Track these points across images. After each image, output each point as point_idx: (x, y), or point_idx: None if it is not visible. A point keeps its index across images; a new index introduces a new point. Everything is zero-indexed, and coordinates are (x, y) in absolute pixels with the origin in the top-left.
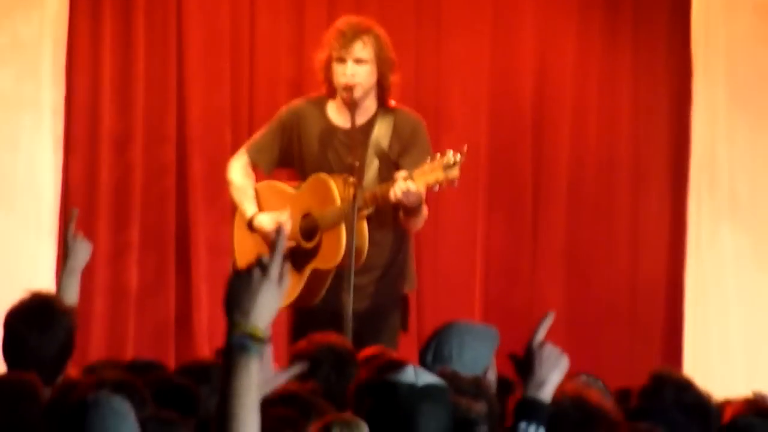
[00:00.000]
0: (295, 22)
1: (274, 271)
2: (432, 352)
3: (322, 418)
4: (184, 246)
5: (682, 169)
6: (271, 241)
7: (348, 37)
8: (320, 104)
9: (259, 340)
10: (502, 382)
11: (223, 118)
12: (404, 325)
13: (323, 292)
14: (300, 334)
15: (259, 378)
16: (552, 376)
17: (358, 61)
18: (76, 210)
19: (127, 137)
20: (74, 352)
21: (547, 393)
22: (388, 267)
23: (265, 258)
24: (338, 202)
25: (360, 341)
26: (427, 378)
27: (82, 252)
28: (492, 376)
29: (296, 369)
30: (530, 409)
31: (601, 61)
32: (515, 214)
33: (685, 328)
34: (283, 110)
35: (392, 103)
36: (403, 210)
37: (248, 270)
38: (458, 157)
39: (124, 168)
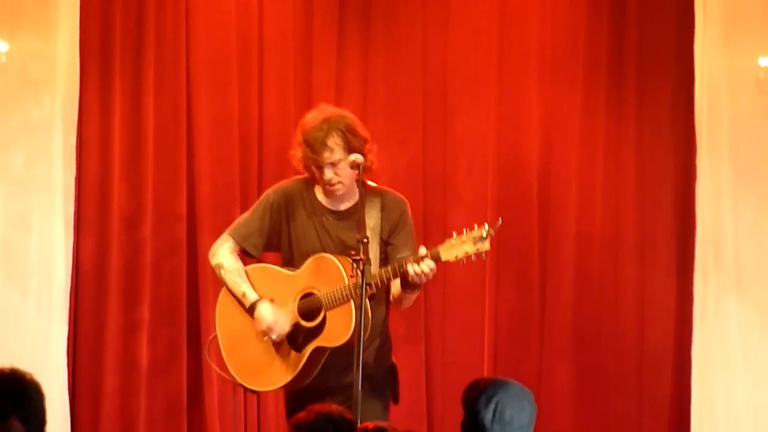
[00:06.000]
0: (302, 100)
1: None
2: (491, 413)
3: None
4: (195, 323)
5: (687, 243)
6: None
7: (316, 148)
8: (307, 186)
9: None
10: None
11: (233, 196)
12: (395, 397)
13: (316, 371)
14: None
15: None
16: None
17: (332, 164)
18: None
19: (138, 216)
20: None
21: None
22: (381, 339)
23: None
24: (346, 280)
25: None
26: None
27: None
28: None
29: None
30: None
31: (606, 136)
32: (522, 288)
33: (693, 401)
34: (270, 193)
35: (371, 183)
36: (411, 287)
37: None
38: (489, 230)
39: (135, 246)
